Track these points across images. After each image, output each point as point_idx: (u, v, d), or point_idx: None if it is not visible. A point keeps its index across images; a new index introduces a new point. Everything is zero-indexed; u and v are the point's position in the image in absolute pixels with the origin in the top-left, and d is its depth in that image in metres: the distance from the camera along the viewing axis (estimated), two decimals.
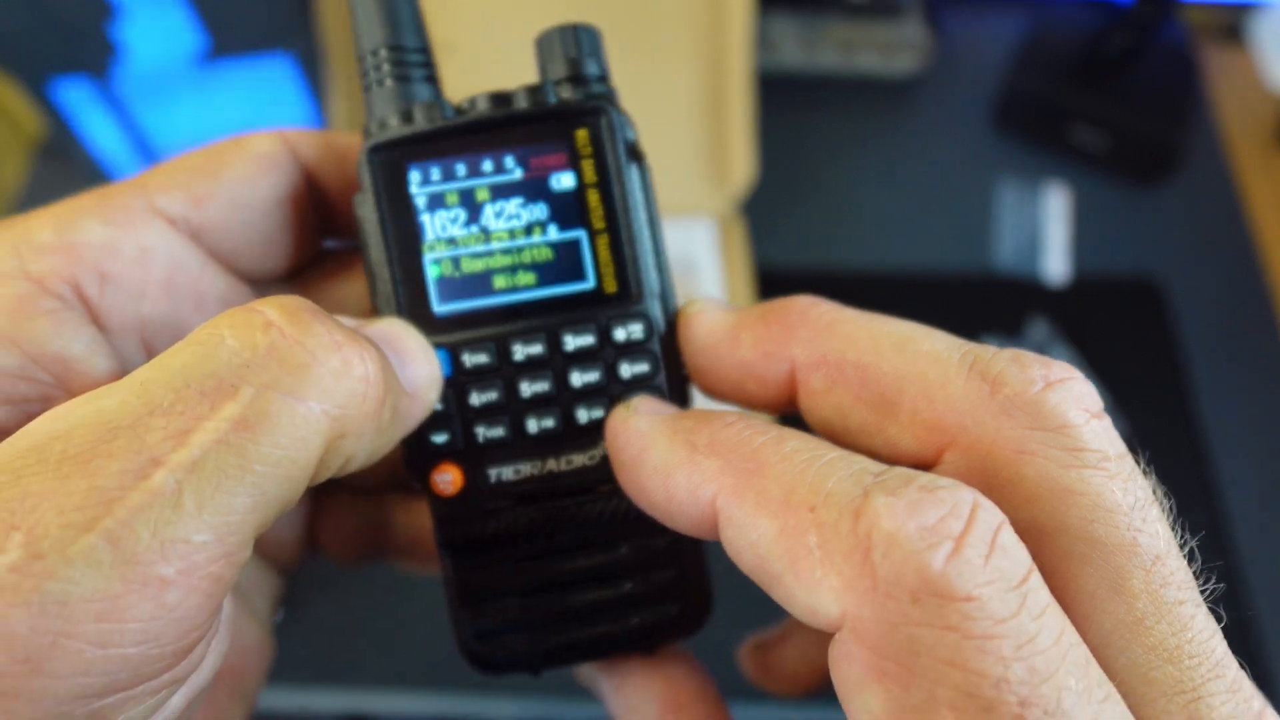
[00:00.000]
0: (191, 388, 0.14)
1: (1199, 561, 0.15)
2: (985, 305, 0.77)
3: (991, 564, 0.13)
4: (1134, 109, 0.82)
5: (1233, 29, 0.94)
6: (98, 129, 0.75)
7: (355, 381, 0.15)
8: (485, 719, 0.61)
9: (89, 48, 0.68)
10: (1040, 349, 0.74)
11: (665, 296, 0.20)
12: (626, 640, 0.20)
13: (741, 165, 0.72)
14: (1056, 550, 0.15)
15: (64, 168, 0.83)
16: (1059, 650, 0.13)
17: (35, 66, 0.69)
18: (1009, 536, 0.13)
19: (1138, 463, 0.16)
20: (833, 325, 0.17)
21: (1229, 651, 0.15)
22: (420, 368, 0.18)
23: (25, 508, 0.13)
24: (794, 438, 0.16)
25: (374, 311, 0.20)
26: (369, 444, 0.16)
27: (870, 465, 0.15)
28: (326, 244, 0.23)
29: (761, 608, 0.19)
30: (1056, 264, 0.80)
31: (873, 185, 0.84)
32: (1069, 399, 0.15)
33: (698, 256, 0.74)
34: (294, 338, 0.15)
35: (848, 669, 0.13)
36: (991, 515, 0.13)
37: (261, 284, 0.21)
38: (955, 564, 0.13)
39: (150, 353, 0.19)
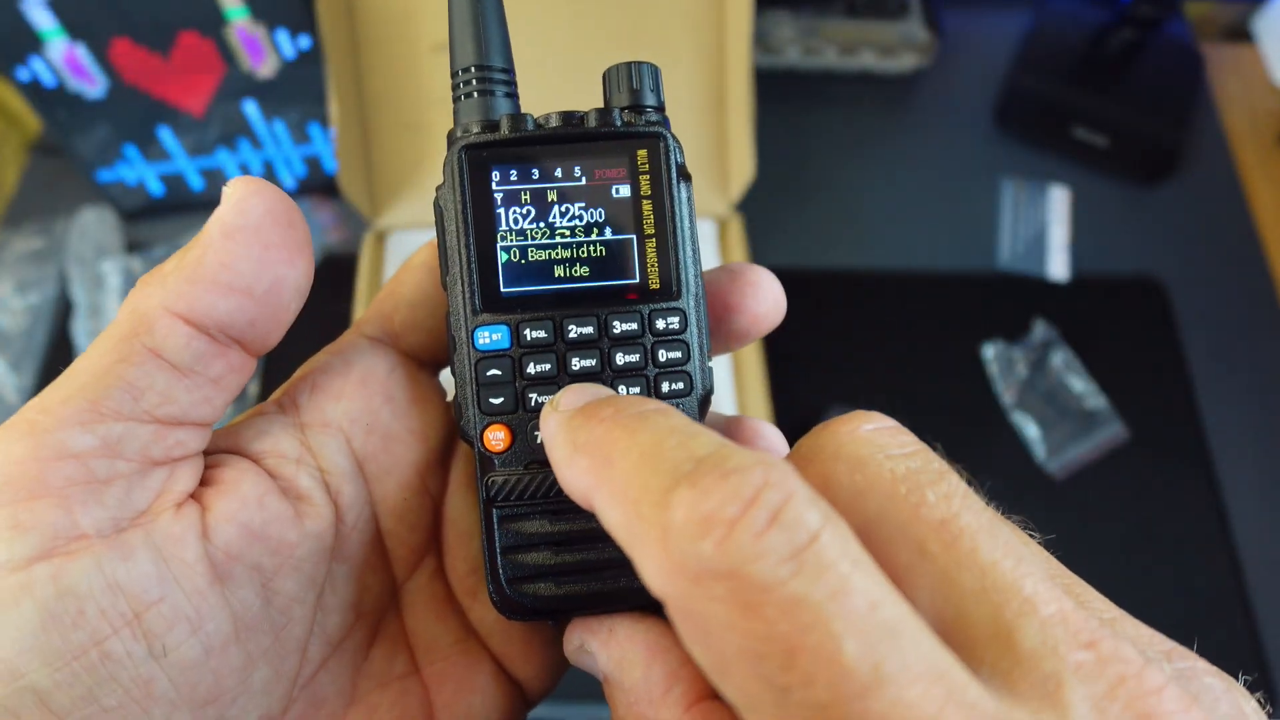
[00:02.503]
0: None
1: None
2: (987, 305, 0.77)
3: (764, 540, 0.14)
4: (1136, 108, 0.81)
5: (1238, 27, 0.94)
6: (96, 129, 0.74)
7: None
8: None
9: None
10: (1043, 348, 0.73)
11: (699, 296, 0.23)
12: (632, 596, 0.22)
13: (742, 166, 0.71)
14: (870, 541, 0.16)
15: (59, 165, 0.83)
16: (837, 603, 0.14)
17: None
18: (795, 510, 0.15)
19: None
20: None
21: (1050, 586, 0.16)
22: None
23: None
24: (650, 424, 0.17)
25: (443, 286, 0.23)
26: (177, 286, 0.20)
27: (700, 448, 0.16)
28: None
29: None
30: (1058, 263, 0.79)
31: (873, 185, 0.84)
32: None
33: None
34: None
35: (679, 633, 0.16)
36: (776, 493, 0.15)
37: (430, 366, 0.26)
38: (724, 548, 0.14)
39: (348, 440, 0.24)
